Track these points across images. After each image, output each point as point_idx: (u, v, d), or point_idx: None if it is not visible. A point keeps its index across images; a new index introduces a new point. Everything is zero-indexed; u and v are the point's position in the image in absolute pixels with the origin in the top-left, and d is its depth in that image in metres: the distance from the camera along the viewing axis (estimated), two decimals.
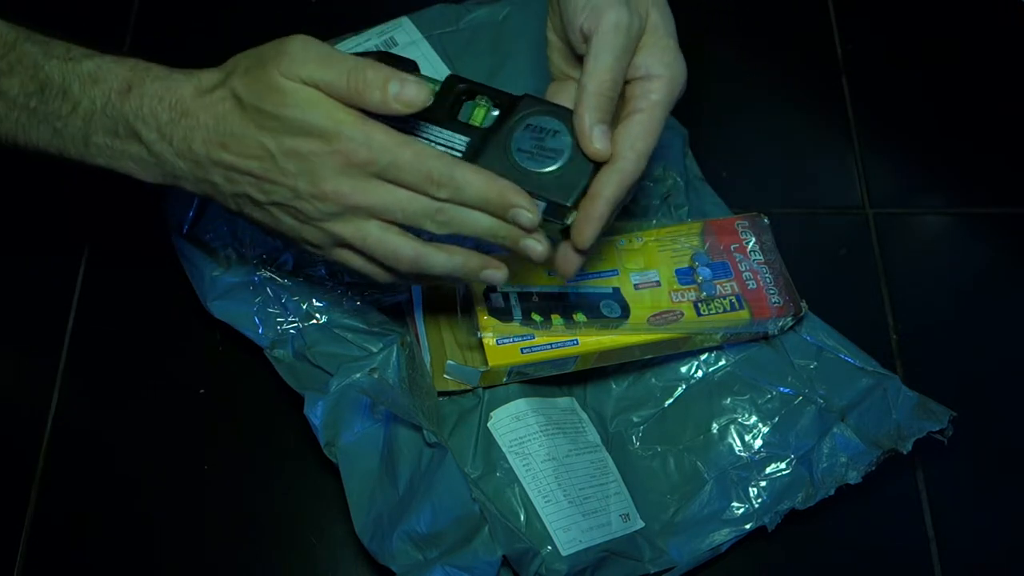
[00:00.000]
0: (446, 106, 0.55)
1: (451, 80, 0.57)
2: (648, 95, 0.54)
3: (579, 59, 0.56)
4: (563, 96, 0.58)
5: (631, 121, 0.54)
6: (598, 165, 0.54)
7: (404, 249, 0.52)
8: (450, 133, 0.55)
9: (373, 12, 0.79)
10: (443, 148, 0.55)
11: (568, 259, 0.56)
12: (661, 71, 0.54)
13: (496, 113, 0.56)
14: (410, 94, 0.49)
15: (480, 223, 0.52)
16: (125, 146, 0.52)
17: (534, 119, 0.55)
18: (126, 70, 0.51)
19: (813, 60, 0.88)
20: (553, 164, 0.54)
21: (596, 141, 0.53)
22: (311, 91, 0.49)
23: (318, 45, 0.50)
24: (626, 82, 0.54)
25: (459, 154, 0.55)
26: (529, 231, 0.53)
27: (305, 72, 0.49)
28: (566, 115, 0.55)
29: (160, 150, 0.52)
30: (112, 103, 0.51)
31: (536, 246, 0.53)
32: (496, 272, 0.55)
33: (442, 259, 0.53)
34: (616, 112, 0.55)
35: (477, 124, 0.56)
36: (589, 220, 0.54)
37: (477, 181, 0.51)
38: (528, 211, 0.52)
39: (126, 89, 0.51)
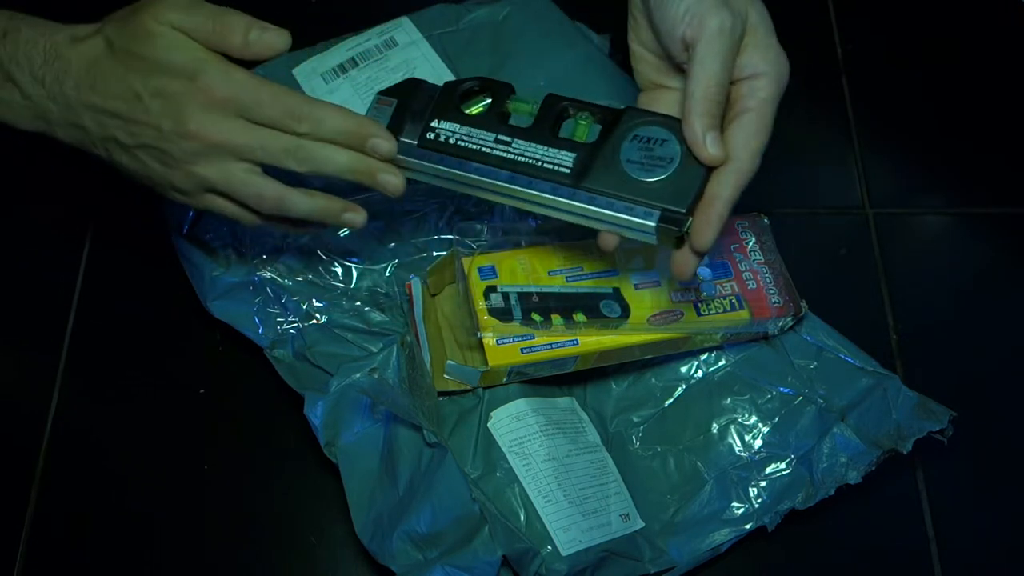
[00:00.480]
0: (547, 124, 0.57)
1: (550, 98, 0.58)
2: (756, 93, 0.54)
3: (676, 68, 0.57)
4: (657, 106, 0.58)
5: (742, 120, 0.54)
6: (710, 169, 0.54)
7: (267, 190, 0.55)
8: (556, 151, 0.56)
9: (373, 12, 0.79)
10: (550, 167, 0.56)
11: (687, 262, 0.56)
12: (766, 68, 0.54)
13: (599, 127, 0.57)
14: (271, 39, 0.52)
15: (339, 159, 0.55)
16: (3, 92, 0.53)
17: (640, 130, 0.55)
18: (3, 19, 0.52)
19: (813, 60, 0.88)
20: (664, 172, 0.54)
21: (710, 147, 0.52)
22: (178, 34, 0.51)
23: None
24: (731, 83, 0.54)
25: (567, 170, 0.56)
26: (386, 160, 0.56)
27: (175, 17, 0.51)
28: (673, 123, 0.55)
29: (32, 92, 0.53)
30: None
31: (391, 179, 0.56)
32: (356, 216, 0.58)
33: (304, 200, 0.56)
34: (723, 113, 0.54)
35: (581, 140, 0.57)
36: (710, 223, 0.53)
37: (335, 113, 0.54)
38: (385, 141, 0.55)
39: (1, 35, 0.52)
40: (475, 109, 0.59)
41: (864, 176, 0.82)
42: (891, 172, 0.83)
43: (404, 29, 0.78)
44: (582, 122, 0.57)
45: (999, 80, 0.86)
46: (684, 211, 0.53)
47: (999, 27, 0.89)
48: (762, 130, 0.54)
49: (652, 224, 0.54)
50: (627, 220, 0.54)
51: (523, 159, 0.56)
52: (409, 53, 0.76)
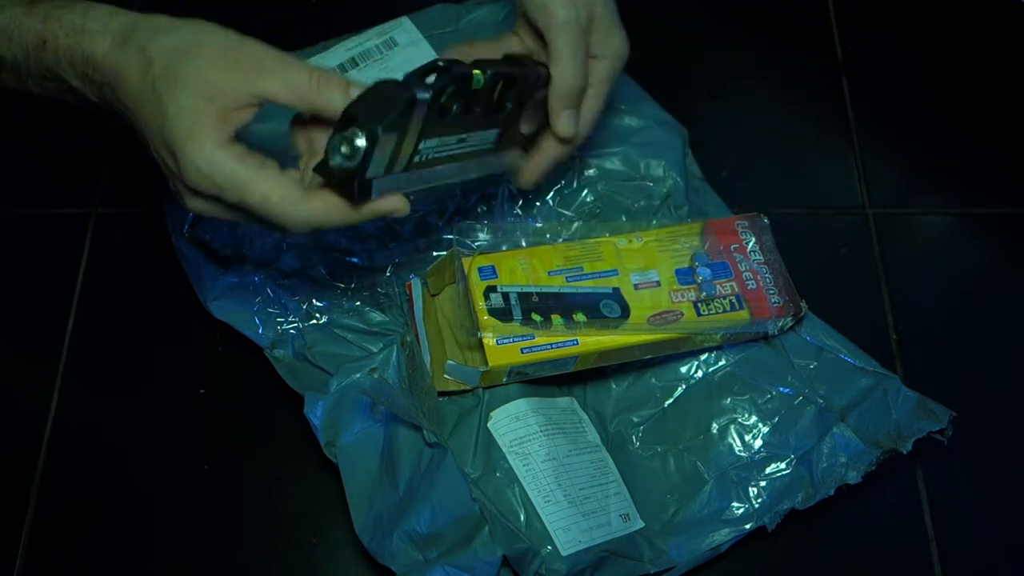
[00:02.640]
0: (487, 104, 0.58)
1: (489, 74, 0.57)
2: (596, 73, 0.62)
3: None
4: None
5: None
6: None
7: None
8: (490, 131, 0.60)
9: (373, 12, 0.79)
10: (485, 146, 0.60)
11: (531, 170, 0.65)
12: (606, 52, 0.62)
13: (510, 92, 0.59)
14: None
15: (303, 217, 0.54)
16: (59, 87, 0.53)
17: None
18: (38, 22, 0.51)
19: (813, 60, 0.88)
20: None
21: (564, 125, 0.62)
22: (197, 102, 0.49)
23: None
24: None
25: (491, 146, 0.61)
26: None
27: (268, 87, 0.50)
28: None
29: (86, 93, 0.53)
30: (32, 56, 0.52)
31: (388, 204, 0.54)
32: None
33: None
34: (582, 92, 0.62)
35: (502, 111, 0.60)
36: (540, 166, 0.65)
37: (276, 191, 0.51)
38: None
39: (41, 44, 0.51)
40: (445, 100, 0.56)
41: (864, 176, 0.82)
42: (891, 172, 0.83)
43: (404, 29, 0.78)
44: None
45: (999, 80, 0.86)
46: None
47: (999, 27, 0.89)
48: (597, 104, 0.63)
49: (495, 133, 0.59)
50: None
51: (472, 148, 0.59)
52: (409, 53, 0.76)
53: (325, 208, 0.51)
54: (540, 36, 0.62)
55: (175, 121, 0.49)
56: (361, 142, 0.48)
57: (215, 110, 0.49)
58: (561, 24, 0.59)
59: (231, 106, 0.49)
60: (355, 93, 0.50)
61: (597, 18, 0.61)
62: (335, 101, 0.50)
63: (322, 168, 0.50)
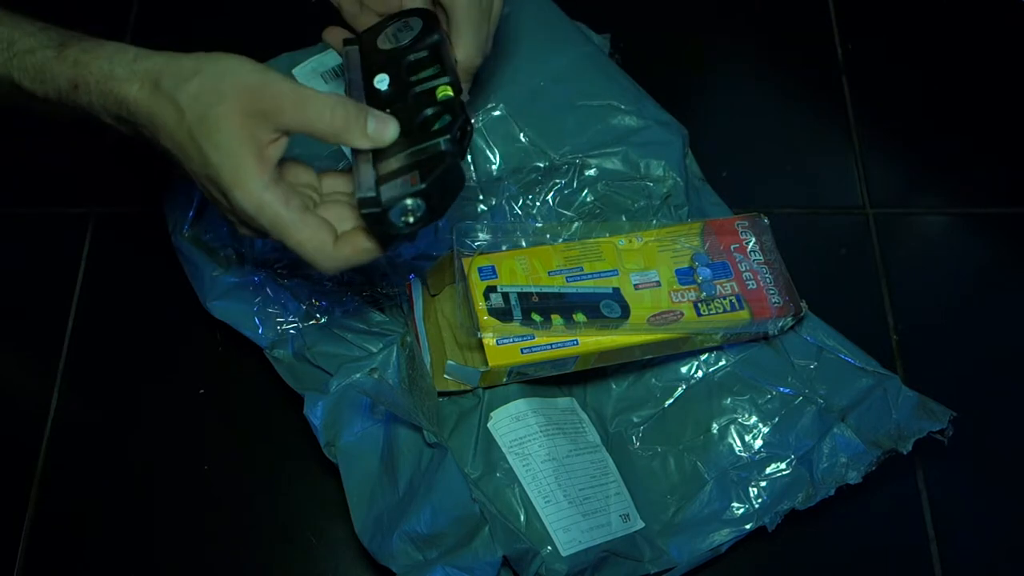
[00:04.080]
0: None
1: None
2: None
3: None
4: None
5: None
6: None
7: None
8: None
9: None
10: None
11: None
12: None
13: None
14: (387, 130, 0.54)
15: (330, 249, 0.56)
16: (94, 122, 0.55)
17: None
18: (68, 68, 0.53)
19: (813, 60, 0.88)
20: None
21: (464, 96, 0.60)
22: (231, 141, 0.52)
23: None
24: None
25: None
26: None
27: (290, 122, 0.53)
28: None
29: (120, 129, 0.55)
30: (65, 97, 0.53)
31: (379, 125, 0.55)
32: (380, 124, 0.56)
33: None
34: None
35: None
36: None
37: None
38: (378, 122, 0.55)
39: (73, 87, 0.53)
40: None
41: (864, 176, 0.82)
42: (891, 172, 0.83)
43: None
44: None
45: (999, 80, 0.86)
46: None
47: (999, 27, 0.89)
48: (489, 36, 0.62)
49: None
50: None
51: None
52: None
53: (354, 253, 0.54)
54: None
55: (220, 170, 0.51)
56: (421, 210, 0.52)
57: (252, 153, 0.51)
58: (465, 5, 0.59)
59: (264, 143, 0.52)
60: (371, 127, 0.53)
61: None
62: (355, 141, 0.53)
63: (371, 215, 0.52)
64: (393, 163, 0.53)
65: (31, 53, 0.53)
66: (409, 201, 0.52)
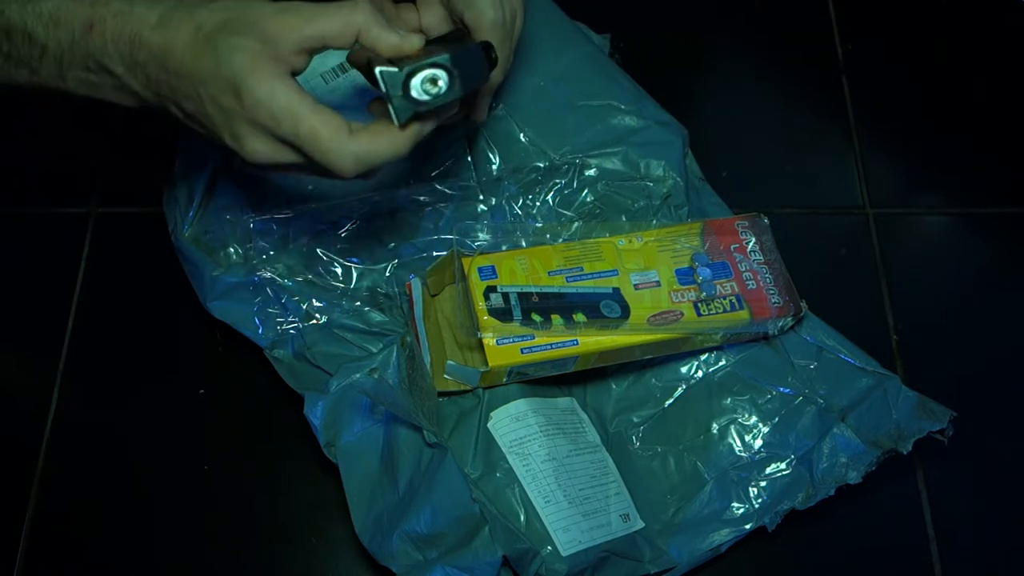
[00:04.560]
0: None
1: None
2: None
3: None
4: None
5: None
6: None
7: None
8: None
9: None
10: None
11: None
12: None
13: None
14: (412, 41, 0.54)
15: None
16: (100, 79, 0.54)
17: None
18: (86, 7, 0.52)
19: (813, 60, 0.88)
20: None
21: (481, 112, 0.65)
22: (244, 55, 0.50)
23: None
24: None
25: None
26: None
27: (312, 33, 0.52)
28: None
29: (129, 82, 0.53)
30: (77, 43, 0.52)
31: (388, 35, 0.54)
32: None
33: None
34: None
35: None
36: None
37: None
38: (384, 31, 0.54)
39: (88, 28, 0.52)
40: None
41: (864, 176, 0.82)
42: (891, 172, 0.83)
43: None
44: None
45: (999, 80, 0.86)
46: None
47: (999, 27, 0.89)
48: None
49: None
50: None
51: None
52: None
53: (372, 141, 0.52)
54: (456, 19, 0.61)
55: (231, 59, 0.50)
56: (443, 82, 0.52)
57: (270, 52, 0.50)
58: (490, 25, 0.59)
59: (286, 50, 0.51)
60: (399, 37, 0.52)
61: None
62: (390, 39, 0.52)
63: (392, 80, 0.52)
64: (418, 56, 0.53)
65: None
66: (431, 71, 0.52)
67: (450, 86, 0.52)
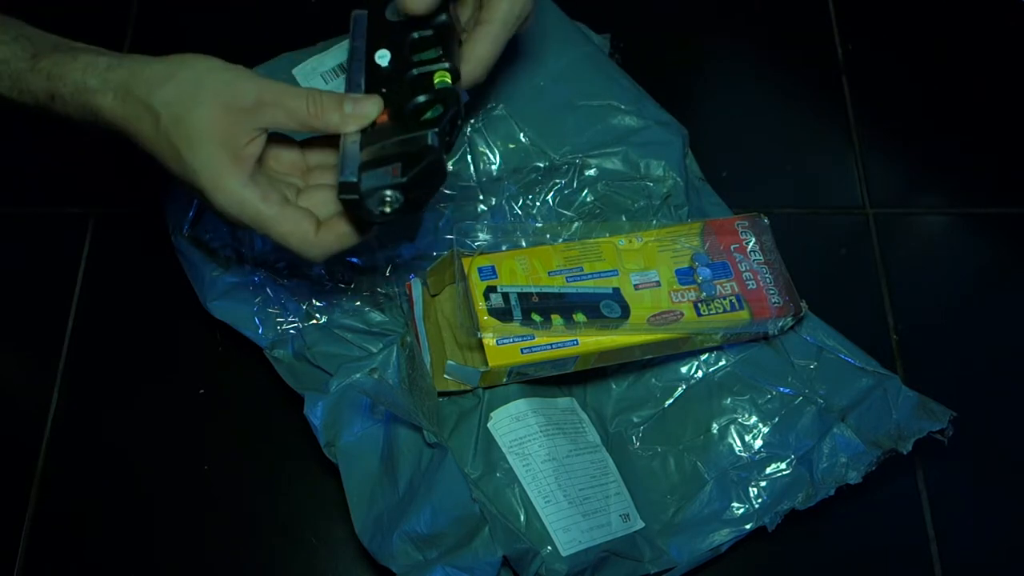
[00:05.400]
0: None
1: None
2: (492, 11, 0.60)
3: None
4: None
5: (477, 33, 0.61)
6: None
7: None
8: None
9: None
10: None
11: None
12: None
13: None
14: (364, 108, 0.55)
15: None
16: (78, 127, 0.55)
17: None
18: (43, 80, 0.53)
19: (813, 60, 0.88)
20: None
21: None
22: (206, 145, 0.53)
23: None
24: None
25: None
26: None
27: (270, 118, 0.54)
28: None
29: (99, 133, 0.55)
30: (44, 106, 0.54)
31: (357, 106, 0.56)
32: (356, 105, 0.57)
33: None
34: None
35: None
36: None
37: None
38: (357, 104, 0.56)
39: (50, 98, 0.54)
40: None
41: (864, 176, 0.82)
42: (891, 172, 0.83)
43: None
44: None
45: (999, 80, 0.86)
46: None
47: (999, 27, 0.89)
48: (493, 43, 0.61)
49: None
50: None
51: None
52: None
53: (335, 240, 0.55)
54: None
55: (199, 173, 0.52)
56: (399, 203, 0.53)
57: (229, 155, 0.52)
58: (499, 19, 0.59)
59: (242, 144, 0.53)
60: (349, 108, 0.54)
61: None
62: (333, 121, 0.54)
63: (348, 201, 0.53)
64: (379, 149, 0.53)
65: (6, 63, 0.54)
66: (388, 192, 0.53)
67: (404, 203, 0.53)
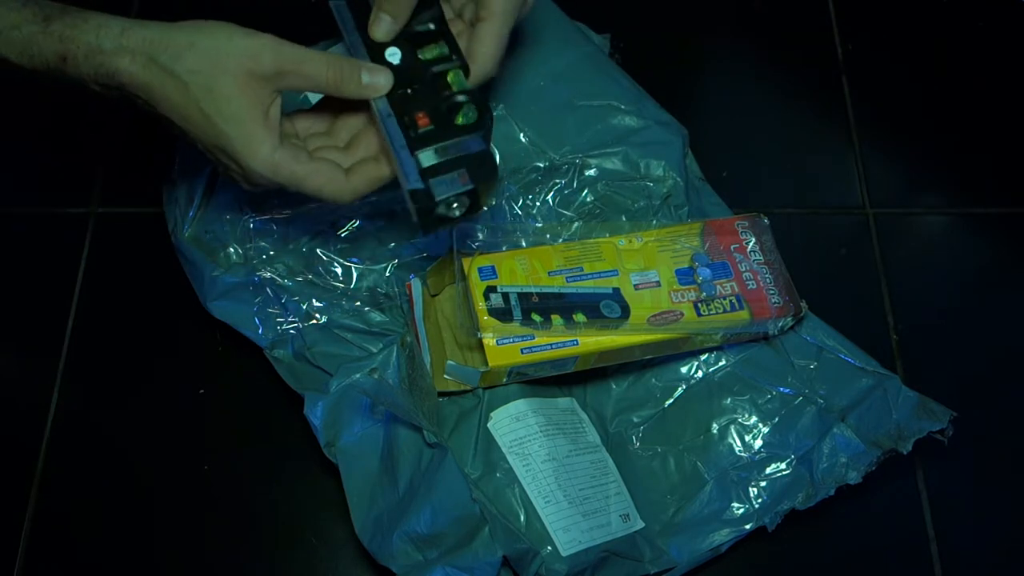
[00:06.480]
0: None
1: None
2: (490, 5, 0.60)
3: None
4: None
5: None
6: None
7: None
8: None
9: None
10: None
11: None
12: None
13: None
14: (379, 80, 0.58)
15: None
16: (88, 89, 0.55)
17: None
18: (55, 42, 0.53)
19: (813, 60, 0.88)
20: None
21: (377, 31, 0.59)
22: (236, 103, 0.54)
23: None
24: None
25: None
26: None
27: (294, 81, 0.56)
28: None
29: (110, 97, 0.55)
30: (56, 69, 0.54)
31: (373, 76, 0.58)
32: (374, 75, 0.58)
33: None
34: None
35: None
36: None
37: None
38: (370, 73, 0.58)
39: (61, 61, 0.53)
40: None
41: (864, 176, 0.82)
42: (891, 172, 0.83)
43: None
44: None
45: (999, 80, 0.86)
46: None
47: (999, 27, 0.89)
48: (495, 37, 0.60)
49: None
50: None
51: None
52: None
53: (366, 182, 0.58)
54: None
55: (233, 140, 0.54)
56: (466, 206, 0.57)
57: (260, 122, 0.54)
58: (500, 12, 0.59)
59: (267, 106, 0.55)
60: (366, 79, 0.56)
61: None
62: (351, 89, 0.56)
63: (422, 208, 0.56)
64: (435, 155, 0.56)
65: (16, 28, 0.53)
66: (459, 198, 0.56)
67: (471, 204, 0.57)
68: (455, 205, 0.57)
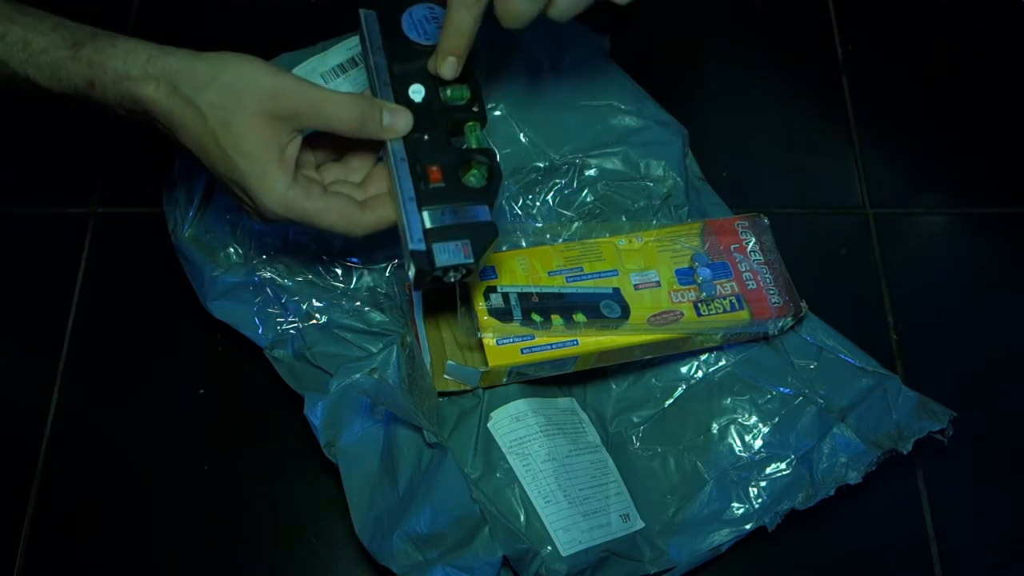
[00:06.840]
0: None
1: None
2: None
3: None
4: None
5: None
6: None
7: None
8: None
9: None
10: None
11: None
12: None
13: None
14: (400, 122, 0.59)
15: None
16: (112, 112, 0.56)
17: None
18: (84, 68, 0.54)
19: (813, 60, 0.88)
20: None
21: (446, 71, 0.59)
22: (254, 139, 0.55)
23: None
24: None
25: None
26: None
27: (331, 114, 0.56)
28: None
29: (134, 120, 0.56)
30: (83, 94, 0.55)
31: (395, 119, 0.59)
32: (396, 117, 0.59)
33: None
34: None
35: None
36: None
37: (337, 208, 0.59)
38: (392, 115, 0.59)
39: (89, 86, 0.54)
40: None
41: (864, 176, 0.82)
42: (891, 172, 0.83)
43: None
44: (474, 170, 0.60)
45: (999, 80, 0.86)
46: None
47: (999, 27, 0.89)
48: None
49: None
50: None
51: None
52: None
53: (377, 220, 0.58)
54: None
55: (248, 176, 0.55)
56: (464, 272, 0.58)
57: (275, 160, 0.55)
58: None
59: (284, 144, 0.55)
60: (387, 120, 0.57)
61: None
62: (370, 132, 0.57)
63: (421, 271, 0.57)
64: (442, 216, 0.57)
65: (45, 53, 0.54)
66: (458, 268, 0.57)
67: (468, 272, 0.58)
68: (451, 273, 0.57)
